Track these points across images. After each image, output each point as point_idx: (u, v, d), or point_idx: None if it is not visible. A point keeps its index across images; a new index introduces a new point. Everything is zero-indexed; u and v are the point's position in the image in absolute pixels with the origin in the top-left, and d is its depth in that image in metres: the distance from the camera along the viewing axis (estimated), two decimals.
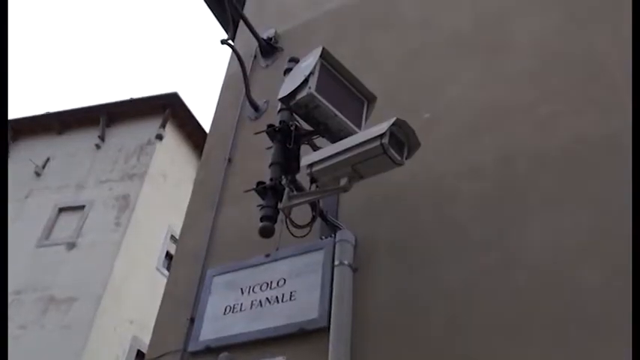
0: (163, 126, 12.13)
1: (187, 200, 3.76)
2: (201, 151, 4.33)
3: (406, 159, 2.18)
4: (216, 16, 5.51)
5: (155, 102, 12.40)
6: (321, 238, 2.68)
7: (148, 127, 12.18)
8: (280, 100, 2.45)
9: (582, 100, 2.47)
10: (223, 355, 2.48)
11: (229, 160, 3.62)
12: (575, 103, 2.48)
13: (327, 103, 2.34)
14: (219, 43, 3.57)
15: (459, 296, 2.22)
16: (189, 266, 3.21)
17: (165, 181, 11.80)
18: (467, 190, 2.51)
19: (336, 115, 2.36)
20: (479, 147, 2.62)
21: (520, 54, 2.87)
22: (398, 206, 2.66)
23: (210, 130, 4.22)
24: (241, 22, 4.19)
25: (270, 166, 2.45)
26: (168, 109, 12.25)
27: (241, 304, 2.70)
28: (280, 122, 2.55)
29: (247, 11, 4.47)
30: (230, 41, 3.71)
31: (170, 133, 12.33)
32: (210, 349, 2.66)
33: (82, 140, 12.53)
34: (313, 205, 2.49)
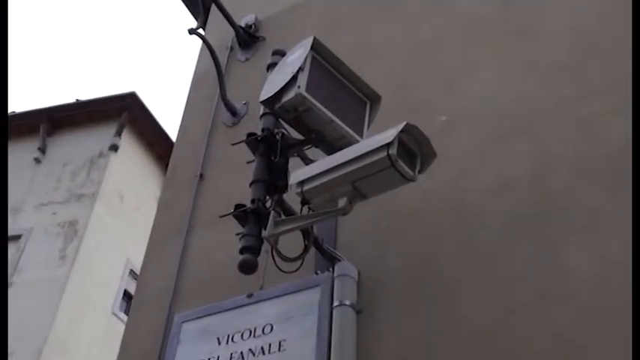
0: (119, 134, 12.14)
1: (150, 226, 3.76)
2: (167, 166, 4.33)
3: (419, 173, 2.20)
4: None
5: (109, 104, 12.42)
6: (317, 273, 2.69)
7: (100, 136, 12.19)
8: (263, 102, 2.47)
9: (631, 98, 2.50)
10: None
11: (201, 177, 3.63)
12: (623, 101, 2.51)
13: (320, 106, 2.36)
14: (187, 33, 3.59)
15: (486, 341, 2.22)
16: (153, 309, 3.20)
17: (122, 203, 11.78)
18: (494, 210, 2.53)
19: (331, 121, 2.38)
20: (508, 156, 2.65)
21: (556, 42, 2.91)
22: (410, 232, 2.67)
23: (177, 140, 4.23)
24: (214, 7, 4.22)
25: (251, 184, 2.46)
26: (124, 113, 12.27)
27: (218, 358, 2.69)
28: (263, 130, 2.57)
29: None
30: (200, 30, 3.74)
31: (127, 143, 12.33)
32: None
33: (18, 153, 12.50)
34: (306, 233, 2.49)
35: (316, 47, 2.44)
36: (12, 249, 11.05)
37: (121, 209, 11.68)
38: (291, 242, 2.50)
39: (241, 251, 2.31)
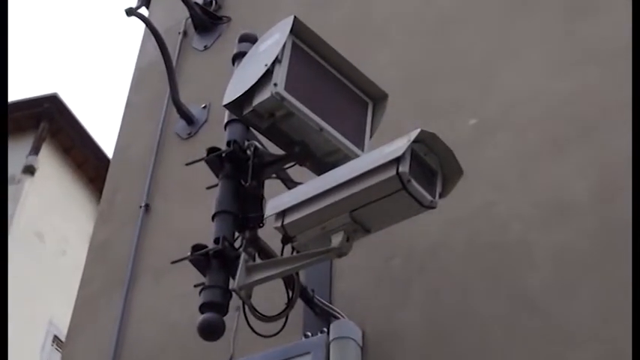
0: (36, 151, 12.12)
1: (79, 277, 3.74)
2: (101, 193, 4.32)
3: (440, 197, 2.19)
4: None
5: (23, 111, 12.40)
6: (306, 336, 2.68)
7: (11, 155, 12.16)
8: (228, 106, 2.47)
9: None
10: None
11: (147, 208, 3.64)
12: None
13: (305, 109, 2.36)
14: (125, 14, 3.60)
15: None
16: None
17: (43, 245, 11.74)
18: (545, 245, 2.52)
19: (320, 129, 2.39)
20: (562, 172, 2.65)
21: (618, 19, 2.92)
22: (431, 277, 2.67)
23: (114, 157, 4.23)
24: None
25: (214, 217, 2.46)
26: (43, 122, 12.27)
27: None
28: (229, 143, 2.57)
29: None
30: (142, 10, 3.75)
31: (48, 164, 12.31)
32: None
33: None
34: (290, 282, 2.49)
35: (298, 30, 2.44)
36: None
37: (41, 254, 11.62)
38: (271, 295, 2.48)
39: (202, 309, 2.30)
